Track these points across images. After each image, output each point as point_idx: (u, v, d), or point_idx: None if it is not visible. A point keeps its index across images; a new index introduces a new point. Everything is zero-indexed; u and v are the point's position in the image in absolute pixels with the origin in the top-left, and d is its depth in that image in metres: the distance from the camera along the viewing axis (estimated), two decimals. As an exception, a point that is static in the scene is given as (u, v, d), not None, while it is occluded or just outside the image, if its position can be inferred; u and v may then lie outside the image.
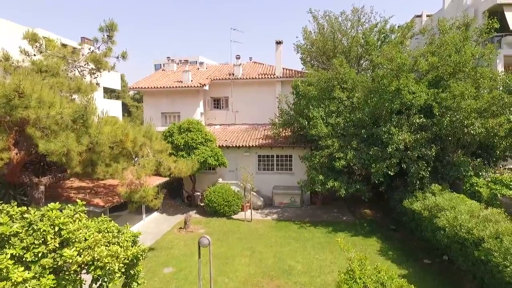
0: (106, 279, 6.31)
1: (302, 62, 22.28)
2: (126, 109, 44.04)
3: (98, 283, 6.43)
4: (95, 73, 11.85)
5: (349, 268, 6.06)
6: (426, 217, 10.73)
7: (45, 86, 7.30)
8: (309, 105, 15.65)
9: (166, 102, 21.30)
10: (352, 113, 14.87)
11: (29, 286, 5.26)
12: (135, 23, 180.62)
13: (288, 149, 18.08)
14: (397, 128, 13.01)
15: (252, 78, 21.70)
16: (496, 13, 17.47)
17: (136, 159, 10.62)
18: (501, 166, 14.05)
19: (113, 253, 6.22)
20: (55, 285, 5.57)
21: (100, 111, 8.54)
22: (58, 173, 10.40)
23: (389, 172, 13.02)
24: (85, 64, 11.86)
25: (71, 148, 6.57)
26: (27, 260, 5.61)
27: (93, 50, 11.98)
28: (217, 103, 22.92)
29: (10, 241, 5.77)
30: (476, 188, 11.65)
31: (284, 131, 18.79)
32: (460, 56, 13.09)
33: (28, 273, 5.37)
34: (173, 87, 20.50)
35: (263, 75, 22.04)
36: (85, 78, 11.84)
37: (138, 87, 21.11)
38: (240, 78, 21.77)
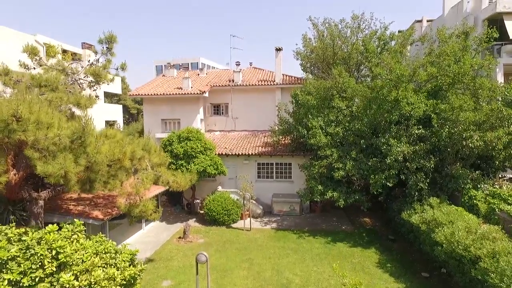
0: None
1: (302, 68, 22.33)
2: (127, 111, 44.19)
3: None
4: (94, 86, 11.90)
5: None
6: (424, 231, 10.75)
7: (43, 106, 7.35)
8: (308, 114, 15.68)
9: (166, 109, 21.36)
10: (351, 122, 14.88)
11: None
12: (136, 24, 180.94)
13: (288, 157, 18.10)
14: (396, 140, 13.01)
15: (252, 84, 21.73)
16: (496, 21, 17.46)
17: (134, 169, 10.69)
18: (500, 176, 14.02)
19: (110, 276, 6.27)
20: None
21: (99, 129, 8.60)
22: (57, 186, 10.46)
23: (388, 184, 13.02)
24: (84, 77, 11.90)
25: (68, 169, 6.62)
26: (24, 285, 5.66)
27: (92, 63, 12.03)
28: (217, 109, 22.97)
29: (7, 266, 5.83)
30: (475, 201, 11.64)
31: (283, 139, 18.82)
32: (459, 67, 13.09)
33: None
34: (173, 94, 20.55)
35: (263, 81, 22.07)
36: (84, 90, 11.89)
37: (138, 94, 21.16)
38: (240, 85, 21.81)
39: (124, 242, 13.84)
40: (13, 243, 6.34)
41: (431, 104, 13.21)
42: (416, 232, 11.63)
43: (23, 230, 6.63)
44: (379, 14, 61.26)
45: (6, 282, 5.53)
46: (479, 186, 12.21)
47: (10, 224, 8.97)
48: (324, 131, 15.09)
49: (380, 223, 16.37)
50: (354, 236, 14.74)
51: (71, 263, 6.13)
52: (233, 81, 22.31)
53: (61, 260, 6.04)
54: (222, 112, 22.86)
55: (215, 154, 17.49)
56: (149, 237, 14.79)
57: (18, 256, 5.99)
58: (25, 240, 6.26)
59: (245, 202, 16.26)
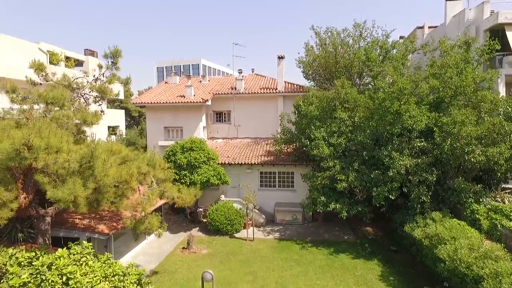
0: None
1: (304, 75, 22.46)
2: (129, 114, 44.28)
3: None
4: (99, 101, 12.02)
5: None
6: (426, 246, 10.84)
7: (52, 128, 7.47)
8: (311, 125, 15.77)
9: (169, 117, 21.46)
10: (354, 133, 14.97)
11: None
12: (137, 24, 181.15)
13: (290, 167, 18.21)
14: (398, 152, 13.10)
15: (254, 92, 21.84)
16: (498, 31, 17.51)
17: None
18: (503, 188, 14.06)
19: (119, 301, 6.38)
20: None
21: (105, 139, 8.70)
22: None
23: (391, 196, 13.11)
24: (89, 92, 12.03)
25: (78, 194, 6.74)
26: (36, 312, 5.78)
27: (97, 78, 12.15)
28: (220, 117, 23.09)
29: (19, 292, 5.94)
30: (477, 216, 11.73)
31: (286, 148, 18.94)
32: (461, 80, 13.18)
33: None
34: (175, 102, 20.65)
35: (265, 89, 22.18)
36: (90, 105, 12.01)
37: (141, 102, 21.27)
38: (242, 93, 21.93)
39: (129, 254, 14.03)
40: (24, 268, 6.46)
41: (433, 117, 13.30)
42: (419, 246, 11.73)
43: (33, 254, 6.75)
44: (381, 23, 61.16)
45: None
46: (481, 200, 12.28)
47: (18, 241, 9.16)
48: (326, 142, 15.19)
49: (382, 233, 16.47)
50: (357, 246, 14.84)
51: (81, 288, 6.24)
52: (235, 88, 22.43)
53: (71, 286, 6.15)
54: (225, 120, 22.97)
55: (218, 163, 17.61)
56: (153, 248, 14.91)
57: (30, 282, 6.11)
58: (35, 265, 6.38)
59: (248, 211, 16.37)
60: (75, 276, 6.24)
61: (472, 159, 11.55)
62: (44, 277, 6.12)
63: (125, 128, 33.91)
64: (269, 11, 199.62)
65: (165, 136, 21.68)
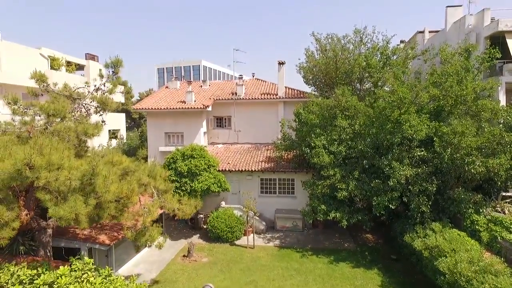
0: None
1: (304, 81, 22.46)
2: (129, 116, 44.35)
3: None
4: (100, 111, 12.04)
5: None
6: (426, 257, 10.87)
7: (54, 144, 7.51)
8: (311, 133, 15.79)
9: (170, 122, 21.50)
10: (354, 140, 14.99)
11: None
12: (138, 24, 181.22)
13: (291, 174, 18.24)
14: (398, 162, 13.12)
15: (255, 98, 21.88)
16: (498, 38, 17.54)
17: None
18: (503, 197, 14.06)
19: (120, 319, 6.42)
20: None
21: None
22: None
23: (391, 206, 13.13)
24: (90, 102, 12.05)
25: (79, 212, 6.78)
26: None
27: (98, 87, 12.18)
28: (220, 122, 23.13)
29: (21, 312, 5.98)
30: (477, 227, 11.75)
31: (286, 154, 18.97)
32: (461, 89, 13.20)
33: None
34: (176, 108, 20.69)
35: (266, 95, 22.21)
36: (91, 116, 12.03)
37: (142, 108, 21.32)
38: (243, 98, 21.97)
39: (130, 262, 14.07)
40: (25, 286, 6.49)
41: (433, 126, 13.32)
42: (419, 256, 11.75)
43: (35, 271, 6.78)
44: (381, 28, 61.29)
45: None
46: (481, 210, 12.30)
47: (19, 254, 9.19)
48: (327, 150, 15.21)
49: (382, 241, 16.48)
50: (357, 255, 14.86)
51: (82, 307, 6.27)
52: (236, 94, 22.46)
53: (73, 305, 6.19)
54: (225, 125, 23.02)
55: (219, 170, 17.65)
56: (153, 256, 14.93)
57: (31, 301, 6.15)
58: (37, 283, 6.42)
59: (248, 219, 16.39)
60: (76, 295, 6.28)
61: (472, 170, 11.57)
62: (46, 297, 6.16)
63: (126, 131, 34.00)
64: (270, 12, 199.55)
65: (166, 142, 21.72)
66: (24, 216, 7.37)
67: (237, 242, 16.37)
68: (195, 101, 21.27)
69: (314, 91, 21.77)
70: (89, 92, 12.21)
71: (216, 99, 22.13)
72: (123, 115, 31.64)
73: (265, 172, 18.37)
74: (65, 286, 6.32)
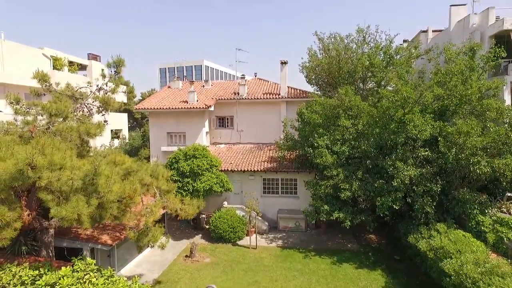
0: None
1: (307, 80, 22.35)
2: (131, 116, 44.39)
3: None
4: (102, 111, 12.01)
5: None
6: (431, 258, 10.75)
7: (56, 144, 7.46)
8: (314, 133, 15.68)
9: (172, 122, 21.46)
10: (357, 140, 14.88)
11: None
12: (139, 25, 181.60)
13: (293, 174, 18.14)
14: (402, 162, 13.00)
15: (257, 98, 21.80)
16: (503, 37, 17.37)
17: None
18: (508, 197, 13.92)
19: (122, 320, 6.36)
20: None
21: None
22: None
23: (395, 206, 13.02)
24: (93, 102, 12.02)
25: (82, 212, 6.73)
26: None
27: (101, 87, 12.14)
28: (222, 122, 23.06)
29: (23, 313, 5.93)
30: (482, 227, 11.62)
31: (289, 154, 18.87)
32: (466, 89, 13.08)
33: None
34: (178, 108, 20.65)
35: (268, 94, 22.13)
36: (93, 115, 12.00)
37: (144, 108, 21.29)
38: (245, 98, 21.89)
39: (132, 262, 14.03)
40: (27, 287, 6.45)
41: (438, 126, 13.19)
42: (423, 257, 11.64)
43: (37, 272, 6.73)
44: (384, 27, 61.00)
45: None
46: (486, 211, 12.16)
47: (21, 254, 9.16)
48: (330, 150, 15.10)
49: (386, 241, 16.37)
50: (360, 255, 14.75)
51: (84, 308, 6.22)
52: (238, 93, 22.39)
53: (75, 306, 6.14)
54: (227, 125, 22.94)
55: (221, 170, 17.58)
56: (156, 256, 14.88)
57: (33, 302, 6.10)
58: (39, 284, 6.37)
59: (251, 219, 16.32)
60: (78, 296, 6.23)
61: (478, 171, 11.44)
62: (47, 298, 6.11)
63: (128, 130, 34.00)
64: (272, 12, 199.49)
65: (168, 142, 21.68)
66: (26, 216, 7.33)
67: (239, 243, 16.29)
68: (197, 101, 21.20)
69: (317, 91, 21.67)
70: (91, 92, 12.18)
71: (218, 99, 22.07)
72: (125, 115, 31.63)
73: (267, 172, 18.29)
74: (67, 287, 6.27)
